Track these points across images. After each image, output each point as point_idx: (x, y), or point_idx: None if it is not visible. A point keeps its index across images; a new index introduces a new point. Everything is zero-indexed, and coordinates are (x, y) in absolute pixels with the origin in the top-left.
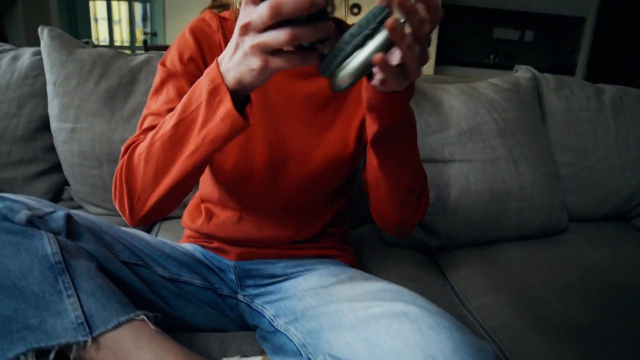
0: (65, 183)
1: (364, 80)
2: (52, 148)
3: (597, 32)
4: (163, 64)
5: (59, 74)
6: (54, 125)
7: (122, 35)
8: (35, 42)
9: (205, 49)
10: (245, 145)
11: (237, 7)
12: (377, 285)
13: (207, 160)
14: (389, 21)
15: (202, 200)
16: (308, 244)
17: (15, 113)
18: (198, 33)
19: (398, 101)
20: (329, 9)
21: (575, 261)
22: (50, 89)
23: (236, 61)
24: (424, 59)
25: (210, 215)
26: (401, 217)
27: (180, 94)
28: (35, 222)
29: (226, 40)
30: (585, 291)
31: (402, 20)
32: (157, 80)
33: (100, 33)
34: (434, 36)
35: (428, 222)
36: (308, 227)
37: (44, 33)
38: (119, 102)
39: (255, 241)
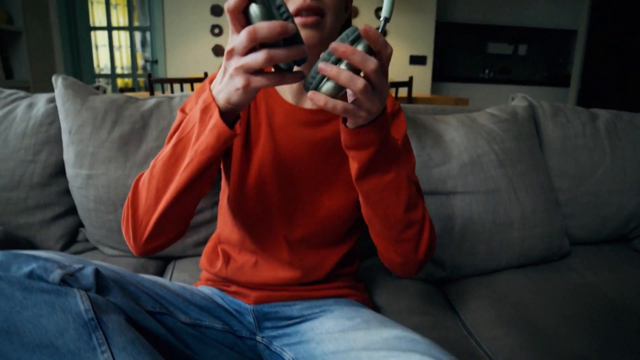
0: (80, 225)
1: (339, 121)
2: (67, 192)
3: (589, 44)
4: (182, 110)
5: (74, 122)
6: (69, 171)
7: (122, 61)
8: (39, 74)
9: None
10: (260, 189)
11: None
12: (393, 333)
13: (200, 172)
14: (320, 65)
15: (220, 242)
16: (322, 285)
17: (31, 160)
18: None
19: (370, 135)
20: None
21: (579, 289)
22: (65, 137)
23: (224, 83)
24: (378, 91)
25: (227, 258)
26: (402, 253)
27: None
28: (68, 280)
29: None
30: (591, 320)
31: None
32: (175, 124)
33: (101, 60)
34: (430, 54)
35: (435, 254)
36: (320, 267)
37: (57, 82)
38: (132, 148)
39: (271, 284)
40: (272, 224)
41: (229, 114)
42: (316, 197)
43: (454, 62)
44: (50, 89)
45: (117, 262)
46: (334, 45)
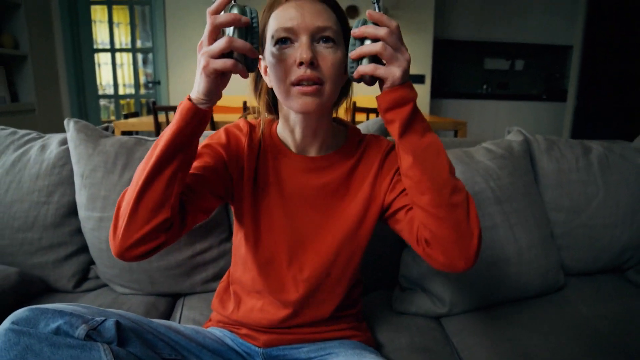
0: (91, 262)
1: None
2: (78, 231)
3: (584, 59)
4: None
5: (86, 166)
6: (82, 213)
7: (124, 79)
8: (44, 96)
9: (232, 145)
10: (270, 231)
11: (266, 116)
12: None
13: (169, 149)
14: (351, 53)
15: (232, 282)
16: (327, 327)
17: (45, 201)
18: (230, 133)
19: (405, 91)
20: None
21: (574, 323)
22: (77, 180)
23: (197, 76)
24: (399, 51)
25: (238, 300)
26: (455, 224)
27: (201, 163)
28: (92, 335)
29: (250, 144)
30: (584, 356)
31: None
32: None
33: (103, 77)
34: (428, 72)
35: (435, 290)
36: (326, 305)
37: (70, 125)
38: None
39: (278, 326)
40: (281, 264)
41: (202, 104)
42: (321, 233)
43: (452, 79)
44: (55, 112)
45: (129, 300)
46: (352, 32)
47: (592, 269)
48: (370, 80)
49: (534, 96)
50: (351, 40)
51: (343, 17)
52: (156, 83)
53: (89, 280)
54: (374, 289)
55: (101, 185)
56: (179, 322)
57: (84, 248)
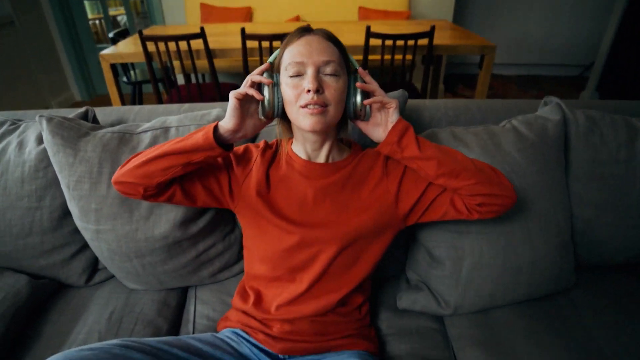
0: None
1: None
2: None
3: None
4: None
5: (70, 177)
6: (78, 223)
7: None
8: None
9: (246, 156)
10: (285, 227)
11: (279, 138)
12: None
13: (178, 153)
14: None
15: (248, 280)
16: (339, 339)
17: (37, 206)
18: (247, 148)
19: (403, 124)
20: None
21: (574, 336)
22: (65, 191)
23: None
24: (384, 95)
25: (258, 293)
26: (487, 178)
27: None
28: None
29: (262, 158)
30: None
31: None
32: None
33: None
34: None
35: (441, 292)
36: (333, 295)
37: (43, 125)
38: (135, 201)
39: (295, 317)
40: (295, 255)
41: (223, 137)
42: (332, 219)
43: None
44: (37, 27)
45: (140, 300)
46: (357, 84)
47: (607, 264)
48: (365, 115)
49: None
50: (352, 91)
51: (344, 52)
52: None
53: (100, 271)
54: (380, 284)
55: (90, 197)
56: (194, 320)
57: (88, 245)
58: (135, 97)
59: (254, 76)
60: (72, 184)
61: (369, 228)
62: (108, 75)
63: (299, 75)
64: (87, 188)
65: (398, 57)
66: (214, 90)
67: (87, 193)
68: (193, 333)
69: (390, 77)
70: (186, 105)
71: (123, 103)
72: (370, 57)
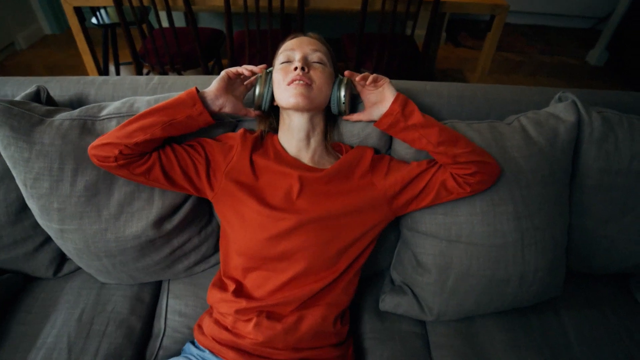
0: None
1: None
2: None
3: None
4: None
5: (26, 175)
6: (39, 221)
7: None
8: None
9: (228, 143)
10: (269, 215)
11: (263, 130)
12: None
13: (162, 111)
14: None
15: (224, 274)
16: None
17: None
18: (227, 135)
19: (402, 95)
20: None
21: (555, 352)
22: (21, 188)
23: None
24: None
25: (238, 283)
26: (477, 148)
27: (194, 145)
28: None
29: (243, 144)
30: None
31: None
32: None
33: None
34: None
35: (424, 298)
36: (318, 284)
37: None
38: (103, 199)
39: (272, 304)
40: (279, 244)
41: (203, 99)
42: (318, 208)
43: None
44: None
45: (113, 296)
46: (346, 74)
47: (597, 273)
48: (347, 109)
49: None
50: (336, 86)
51: (331, 49)
52: None
53: (69, 261)
54: (364, 281)
55: (51, 196)
56: (165, 316)
57: None
58: (107, 42)
59: (247, 66)
60: (30, 182)
61: (353, 208)
62: (72, 21)
63: (288, 62)
64: (47, 187)
65: (400, 9)
66: (192, 36)
67: (47, 192)
68: (164, 329)
69: (390, 28)
70: (155, 79)
71: (92, 51)
72: (370, 10)
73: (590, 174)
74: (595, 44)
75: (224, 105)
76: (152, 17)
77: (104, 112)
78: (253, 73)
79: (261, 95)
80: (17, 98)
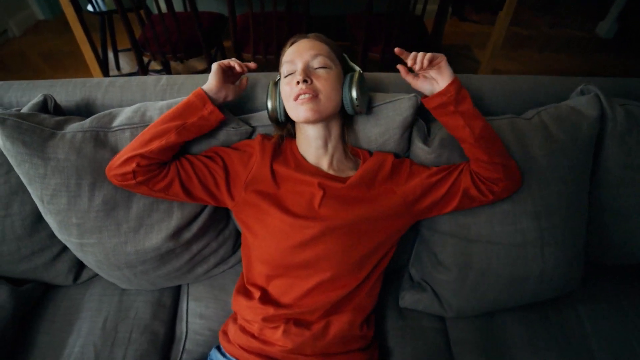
0: None
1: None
2: None
3: None
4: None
5: (43, 191)
6: (58, 236)
7: None
8: None
9: (246, 152)
10: (293, 224)
11: (282, 136)
12: None
13: (174, 117)
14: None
15: (248, 281)
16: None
17: (5, 214)
18: (244, 143)
19: (457, 80)
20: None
21: (571, 344)
22: (38, 203)
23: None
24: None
25: (263, 291)
26: (507, 154)
27: (213, 156)
28: None
29: (262, 152)
30: None
31: None
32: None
33: None
34: None
35: (444, 295)
36: (340, 290)
37: None
38: (122, 212)
39: (299, 311)
40: (303, 252)
41: (209, 96)
42: (341, 217)
43: None
44: None
45: (134, 302)
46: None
47: (614, 264)
48: (364, 109)
49: None
50: (347, 86)
51: (335, 46)
52: None
53: (88, 267)
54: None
55: (69, 212)
56: (187, 319)
57: None
58: (105, 30)
59: (237, 60)
60: (47, 198)
61: (375, 215)
62: (68, 10)
63: (292, 74)
64: (65, 202)
65: None
66: (192, 21)
67: (65, 207)
68: (186, 333)
69: (401, 7)
70: (164, 79)
71: (90, 40)
72: None
73: (611, 170)
74: (605, 15)
75: (227, 95)
76: (149, 2)
77: (116, 123)
78: (242, 69)
79: (274, 109)
80: (24, 109)
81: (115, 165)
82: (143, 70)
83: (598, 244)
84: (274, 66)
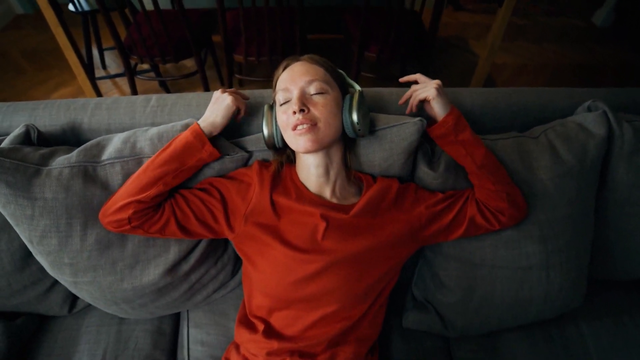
0: None
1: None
2: None
3: None
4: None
5: (31, 232)
6: (51, 274)
7: None
8: None
9: (244, 182)
10: (296, 258)
11: (281, 163)
12: None
13: (171, 160)
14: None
15: (251, 312)
16: None
17: None
18: (241, 173)
19: (456, 110)
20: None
21: None
22: (28, 245)
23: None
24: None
25: (266, 324)
26: (512, 183)
27: (208, 189)
28: None
29: (261, 183)
30: None
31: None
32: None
33: None
34: None
35: (447, 316)
36: (353, 308)
37: None
38: (116, 250)
39: (304, 344)
40: (307, 286)
41: (205, 127)
42: (345, 248)
43: None
44: None
45: (134, 332)
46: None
47: (616, 279)
48: (363, 132)
49: None
50: (346, 108)
51: (330, 67)
52: None
53: (81, 300)
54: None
55: (61, 252)
56: (188, 346)
57: None
58: (88, 30)
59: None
60: (36, 239)
61: (380, 244)
62: (48, 12)
63: (287, 102)
64: (56, 243)
65: None
66: (180, 20)
67: (56, 248)
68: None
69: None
70: (153, 99)
71: (73, 42)
72: None
73: (618, 189)
74: (603, 3)
75: (224, 125)
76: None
77: (105, 156)
78: (245, 110)
79: (271, 135)
80: (5, 142)
81: (110, 212)
82: (130, 72)
83: (602, 261)
84: (267, 69)
